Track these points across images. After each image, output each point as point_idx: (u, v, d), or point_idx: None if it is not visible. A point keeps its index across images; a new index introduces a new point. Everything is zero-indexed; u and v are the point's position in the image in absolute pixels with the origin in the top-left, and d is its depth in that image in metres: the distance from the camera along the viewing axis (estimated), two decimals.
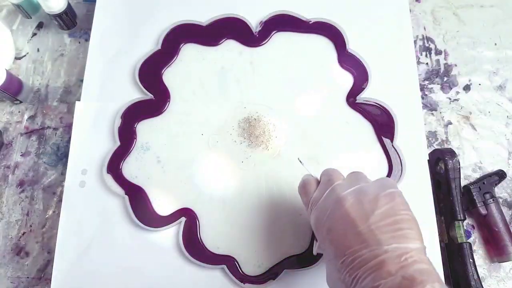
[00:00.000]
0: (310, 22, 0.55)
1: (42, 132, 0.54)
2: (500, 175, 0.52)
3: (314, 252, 0.41)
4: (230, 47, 0.54)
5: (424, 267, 0.30)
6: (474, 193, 0.51)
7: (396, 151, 0.50)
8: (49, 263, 0.49)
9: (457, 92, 0.57)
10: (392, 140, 0.51)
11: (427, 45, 0.59)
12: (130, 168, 0.49)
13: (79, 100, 0.52)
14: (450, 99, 0.57)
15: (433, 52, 0.59)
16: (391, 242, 0.30)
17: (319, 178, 0.40)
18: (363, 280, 0.30)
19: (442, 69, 0.58)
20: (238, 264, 0.46)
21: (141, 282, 0.46)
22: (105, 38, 0.54)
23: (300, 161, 0.43)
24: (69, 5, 0.55)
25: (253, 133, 0.50)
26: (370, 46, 0.54)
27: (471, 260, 0.47)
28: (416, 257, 0.30)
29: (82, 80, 0.54)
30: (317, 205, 0.36)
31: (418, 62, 0.58)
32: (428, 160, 0.51)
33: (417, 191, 0.50)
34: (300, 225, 0.48)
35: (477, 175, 0.54)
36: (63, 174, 0.52)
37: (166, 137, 0.50)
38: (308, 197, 0.38)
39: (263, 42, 0.54)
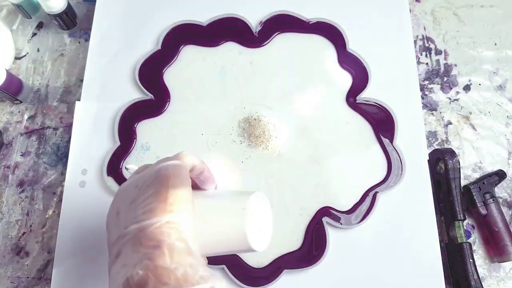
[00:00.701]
0: (310, 22, 0.55)
1: (42, 132, 0.54)
2: (500, 175, 0.52)
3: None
4: (230, 47, 0.54)
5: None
6: (474, 193, 0.51)
7: (396, 151, 0.50)
8: (49, 263, 0.49)
9: (457, 92, 0.57)
10: (392, 140, 0.51)
11: (427, 45, 0.59)
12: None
13: (79, 100, 0.52)
14: (450, 99, 0.57)
15: (433, 52, 0.59)
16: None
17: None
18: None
19: (442, 69, 0.58)
20: (241, 259, 0.46)
21: None
22: (105, 38, 0.54)
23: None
24: (69, 5, 0.55)
25: (253, 133, 0.50)
26: (370, 46, 0.54)
27: (471, 260, 0.47)
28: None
29: (82, 80, 0.54)
30: None
31: (418, 62, 0.58)
32: (428, 160, 0.51)
33: (417, 191, 0.50)
34: (300, 224, 0.48)
35: (477, 175, 0.54)
36: (63, 174, 0.52)
37: (166, 137, 0.50)
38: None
39: (264, 43, 0.54)
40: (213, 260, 0.46)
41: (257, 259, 0.47)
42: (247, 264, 0.47)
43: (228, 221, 0.32)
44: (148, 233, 0.28)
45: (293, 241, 0.47)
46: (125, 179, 0.48)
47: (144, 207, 0.29)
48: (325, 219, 0.48)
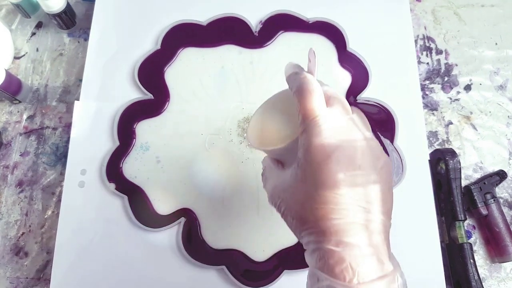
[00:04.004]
0: (310, 22, 0.54)
1: (41, 132, 0.54)
2: (501, 175, 0.52)
3: (261, 149, 0.34)
4: (230, 47, 0.54)
5: (390, 248, 0.29)
6: (474, 193, 0.50)
7: (396, 151, 0.50)
8: (48, 263, 0.49)
9: (458, 92, 0.57)
10: (392, 140, 0.51)
11: (427, 44, 0.59)
12: (130, 168, 0.49)
13: (78, 100, 0.52)
14: (450, 99, 0.56)
15: (433, 51, 0.58)
16: (379, 212, 0.28)
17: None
18: (338, 229, 0.27)
19: (443, 68, 0.58)
20: (245, 254, 0.46)
21: (140, 282, 0.46)
22: (104, 38, 0.54)
23: (313, 53, 0.33)
24: (68, 5, 0.55)
25: None
26: (371, 45, 0.54)
27: (471, 260, 0.47)
28: (387, 236, 0.29)
29: (81, 80, 0.53)
30: (325, 126, 0.29)
31: (419, 62, 0.58)
32: (429, 160, 0.51)
33: (418, 191, 0.49)
34: None
35: (478, 175, 0.54)
36: (62, 174, 0.52)
37: (165, 137, 0.50)
38: (313, 110, 0.29)
39: (264, 43, 0.54)
40: (213, 261, 0.46)
41: (257, 254, 0.47)
42: (247, 260, 0.46)
43: None
44: None
45: (293, 240, 0.47)
46: (124, 179, 0.48)
47: None
48: None
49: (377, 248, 0.27)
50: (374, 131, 0.51)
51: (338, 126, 0.29)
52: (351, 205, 0.27)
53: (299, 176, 0.29)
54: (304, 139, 0.29)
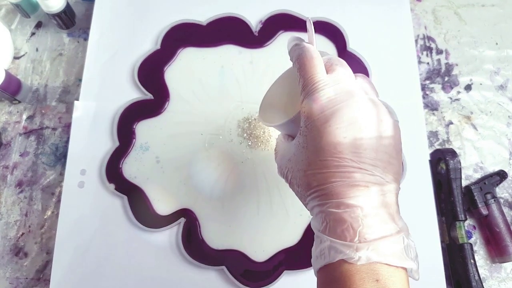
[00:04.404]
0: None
1: (41, 132, 0.54)
2: (501, 175, 0.52)
3: (271, 124, 0.35)
4: (229, 46, 0.54)
5: (398, 212, 0.28)
6: (475, 194, 0.50)
7: None
8: (48, 264, 0.49)
9: (458, 92, 0.57)
10: None
11: (428, 44, 0.59)
12: (129, 168, 0.49)
13: (78, 100, 0.52)
14: (451, 99, 0.56)
15: (434, 51, 0.58)
16: (382, 172, 0.28)
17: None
18: (338, 191, 0.27)
19: (443, 68, 0.58)
20: (245, 254, 0.46)
21: (140, 283, 0.46)
22: (104, 38, 0.54)
23: (309, 21, 0.34)
24: (68, 5, 0.55)
25: (253, 133, 0.50)
26: (371, 45, 0.54)
27: (472, 260, 0.47)
28: (395, 199, 0.28)
29: (81, 80, 0.53)
30: (325, 91, 0.29)
31: (419, 62, 0.57)
32: (430, 160, 0.51)
33: (418, 191, 0.49)
34: (301, 225, 0.48)
35: (478, 175, 0.53)
36: (61, 174, 0.52)
37: (165, 137, 0.50)
38: (313, 76, 0.30)
39: (264, 43, 0.54)
40: (213, 261, 0.46)
41: (257, 254, 0.47)
42: (247, 260, 0.46)
43: None
44: None
45: (293, 241, 0.47)
46: (124, 179, 0.48)
47: None
48: None
49: (380, 209, 0.27)
50: None
51: (339, 90, 0.29)
52: (352, 168, 0.27)
53: (301, 144, 0.30)
54: (304, 106, 0.29)
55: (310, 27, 0.33)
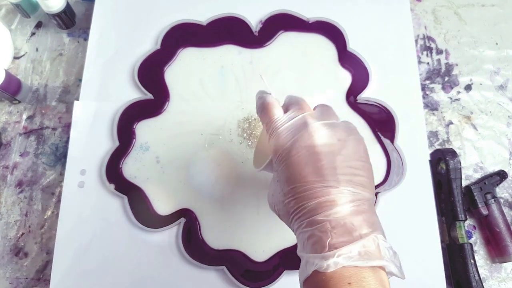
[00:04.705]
0: (311, 22, 0.54)
1: (41, 132, 0.54)
2: (501, 175, 0.52)
3: (258, 169, 0.39)
4: (229, 46, 0.54)
5: (373, 218, 0.31)
6: (475, 194, 0.50)
7: (397, 151, 0.50)
8: (48, 264, 0.49)
9: (458, 92, 0.57)
10: (393, 140, 0.51)
11: (428, 44, 0.59)
12: (129, 169, 0.49)
13: (78, 100, 0.52)
14: (451, 98, 0.56)
15: (434, 51, 0.58)
16: (347, 185, 0.30)
17: (280, 102, 0.38)
18: (308, 212, 0.30)
19: (443, 68, 0.58)
20: (245, 254, 0.46)
21: (140, 283, 0.46)
22: (104, 38, 0.54)
23: (261, 77, 0.39)
24: (68, 5, 0.55)
25: (253, 133, 0.50)
26: (371, 45, 0.54)
27: (472, 260, 0.47)
28: (367, 207, 0.31)
29: (81, 80, 0.53)
30: (282, 128, 0.34)
31: (419, 62, 0.57)
32: (430, 160, 0.51)
33: (418, 191, 0.49)
34: None
35: (478, 175, 0.53)
36: (61, 174, 0.52)
37: (165, 137, 0.50)
38: (271, 118, 0.35)
39: (264, 43, 0.54)
40: (213, 261, 0.46)
41: (257, 254, 0.47)
42: (248, 260, 0.46)
43: None
44: None
45: (293, 241, 0.47)
46: (124, 179, 0.48)
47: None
48: None
49: (348, 219, 0.29)
50: (374, 131, 0.51)
51: (294, 124, 0.33)
52: (318, 188, 0.30)
53: (276, 178, 0.34)
54: (271, 145, 0.34)
55: (264, 79, 0.39)
